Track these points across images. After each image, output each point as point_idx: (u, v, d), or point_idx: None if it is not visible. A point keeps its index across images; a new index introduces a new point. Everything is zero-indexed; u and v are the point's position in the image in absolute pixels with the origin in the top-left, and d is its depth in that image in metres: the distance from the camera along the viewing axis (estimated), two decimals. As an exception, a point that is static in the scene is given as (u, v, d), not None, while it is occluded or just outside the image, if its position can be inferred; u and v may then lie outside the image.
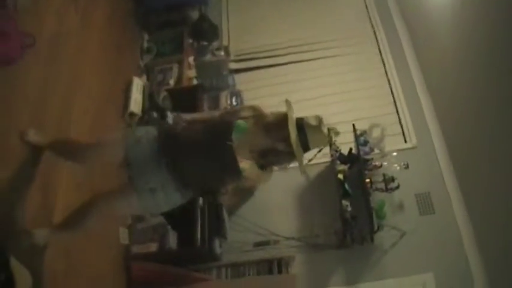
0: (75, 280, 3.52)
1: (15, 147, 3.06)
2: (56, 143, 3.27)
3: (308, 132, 2.72)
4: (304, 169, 2.84)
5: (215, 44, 5.77)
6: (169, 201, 2.82)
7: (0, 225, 2.42)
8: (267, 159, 2.82)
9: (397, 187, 4.59)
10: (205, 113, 3.36)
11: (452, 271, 4.38)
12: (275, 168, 2.91)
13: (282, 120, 2.73)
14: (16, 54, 2.97)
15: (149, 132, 2.87)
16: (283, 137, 2.71)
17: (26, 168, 3.15)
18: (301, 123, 2.73)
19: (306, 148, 2.75)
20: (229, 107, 5.29)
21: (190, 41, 5.80)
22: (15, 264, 2.60)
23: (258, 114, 2.84)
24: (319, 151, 4.69)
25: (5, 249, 2.49)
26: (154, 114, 4.93)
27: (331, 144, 4.77)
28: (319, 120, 2.77)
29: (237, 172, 2.71)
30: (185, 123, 2.97)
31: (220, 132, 2.75)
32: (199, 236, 4.40)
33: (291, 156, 2.76)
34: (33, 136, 3.17)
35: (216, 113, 3.15)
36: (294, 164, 2.86)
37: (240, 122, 2.78)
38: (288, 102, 2.78)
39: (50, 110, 3.52)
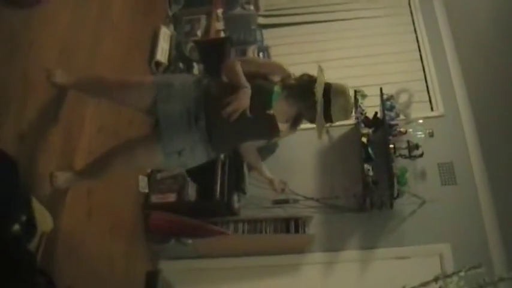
0: (95, 223, 3.55)
1: (41, 87, 3.04)
2: (83, 79, 3.24)
3: (333, 104, 2.66)
4: (321, 135, 2.80)
5: (245, -4, 5.67)
6: (195, 161, 2.82)
7: (22, 167, 2.40)
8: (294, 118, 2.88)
9: (421, 155, 4.56)
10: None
11: (470, 244, 4.35)
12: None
13: (308, 85, 2.69)
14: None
15: (186, 92, 2.75)
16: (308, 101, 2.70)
17: (50, 109, 3.14)
18: (328, 95, 2.66)
19: (328, 119, 2.72)
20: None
21: (220, -8, 5.70)
22: (37, 206, 2.60)
23: (286, 76, 2.80)
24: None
25: (27, 190, 2.47)
26: (181, 65, 4.88)
27: (356, 106, 4.71)
28: (347, 92, 2.72)
29: (276, 135, 2.83)
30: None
31: (259, 100, 2.67)
32: (218, 189, 4.40)
33: (313, 115, 2.72)
34: (59, 77, 3.13)
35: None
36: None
37: (275, 87, 2.73)
38: (320, 68, 2.72)
39: (77, 51, 3.47)
